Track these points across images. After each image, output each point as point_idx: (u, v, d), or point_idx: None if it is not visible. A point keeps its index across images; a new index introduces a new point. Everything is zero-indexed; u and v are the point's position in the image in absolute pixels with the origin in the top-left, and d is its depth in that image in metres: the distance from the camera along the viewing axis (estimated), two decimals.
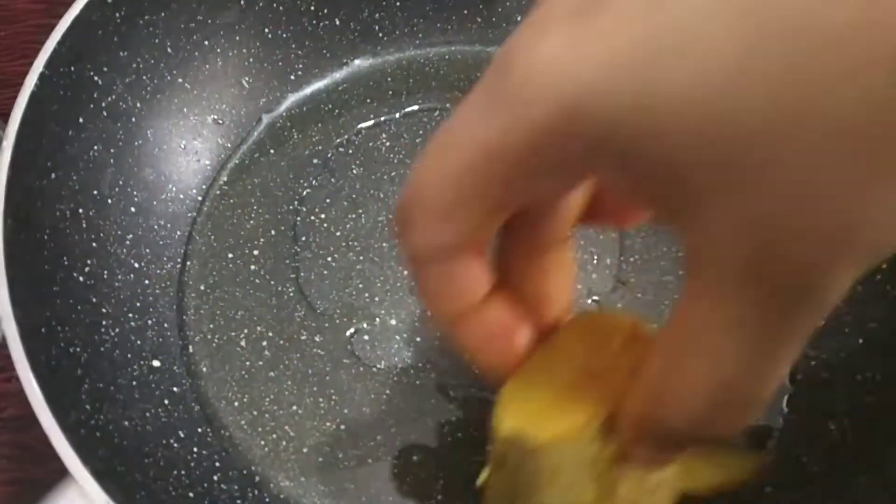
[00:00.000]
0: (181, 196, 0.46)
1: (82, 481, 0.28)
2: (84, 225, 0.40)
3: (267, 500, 0.39)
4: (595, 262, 0.46)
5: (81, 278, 0.39)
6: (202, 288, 0.44)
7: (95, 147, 0.41)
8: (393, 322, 0.44)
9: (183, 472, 0.37)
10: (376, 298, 0.44)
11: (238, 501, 0.38)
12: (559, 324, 0.28)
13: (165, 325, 0.42)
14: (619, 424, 0.26)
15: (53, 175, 0.38)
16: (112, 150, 0.42)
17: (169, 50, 0.45)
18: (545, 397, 0.26)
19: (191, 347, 0.42)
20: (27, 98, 0.36)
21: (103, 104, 0.42)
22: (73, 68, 0.39)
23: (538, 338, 0.27)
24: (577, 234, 0.46)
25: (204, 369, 0.42)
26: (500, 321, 0.26)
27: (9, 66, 0.59)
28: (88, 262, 0.39)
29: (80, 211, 0.40)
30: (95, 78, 0.41)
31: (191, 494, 0.36)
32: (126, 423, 0.36)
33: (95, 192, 0.41)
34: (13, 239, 0.34)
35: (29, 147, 0.36)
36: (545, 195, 0.25)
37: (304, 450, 0.40)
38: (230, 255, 0.45)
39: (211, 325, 0.43)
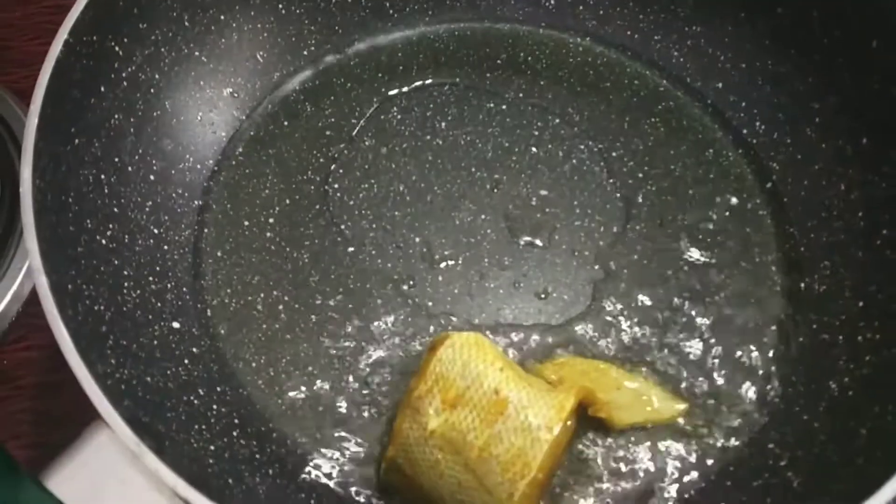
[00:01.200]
0: (198, 166, 0.47)
1: (112, 423, 0.30)
2: (106, 191, 0.41)
3: (284, 455, 0.40)
4: (601, 230, 0.47)
5: (104, 241, 0.40)
6: (219, 254, 0.45)
7: (116, 116, 0.42)
8: (405, 287, 0.45)
9: (203, 427, 0.38)
10: (389, 264, 0.46)
11: (257, 456, 0.39)
12: None
13: (184, 289, 0.44)
14: None
15: (77, 141, 0.39)
16: (132, 120, 0.44)
17: (186, 23, 0.46)
18: None
19: (209, 311, 0.44)
20: (52, 64, 0.37)
21: (124, 74, 0.43)
22: (95, 37, 0.40)
23: None
24: (582, 203, 0.47)
25: (222, 331, 0.43)
26: None
27: (25, 46, 0.61)
28: (110, 226, 0.41)
29: (102, 177, 0.41)
30: (116, 48, 0.42)
31: (212, 447, 0.37)
32: (148, 378, 0.37)
33: (116, 160, 0.42)
34: (41, 199, 0.35)
35: (54, 112, 0.37)
36: None
37: (320, 408, 0.41)
38: (246, 223, 0.46)
39: (228, 290, 0.44)
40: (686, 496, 0.40)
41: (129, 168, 0.43)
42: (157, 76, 0.45)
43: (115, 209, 0.41)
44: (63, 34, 0.38)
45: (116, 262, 0.40)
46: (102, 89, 0.41)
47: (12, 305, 0.49)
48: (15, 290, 0.49)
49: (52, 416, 0.47)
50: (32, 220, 0.33)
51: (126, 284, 0.40)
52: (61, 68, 0.38)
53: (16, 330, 0.49)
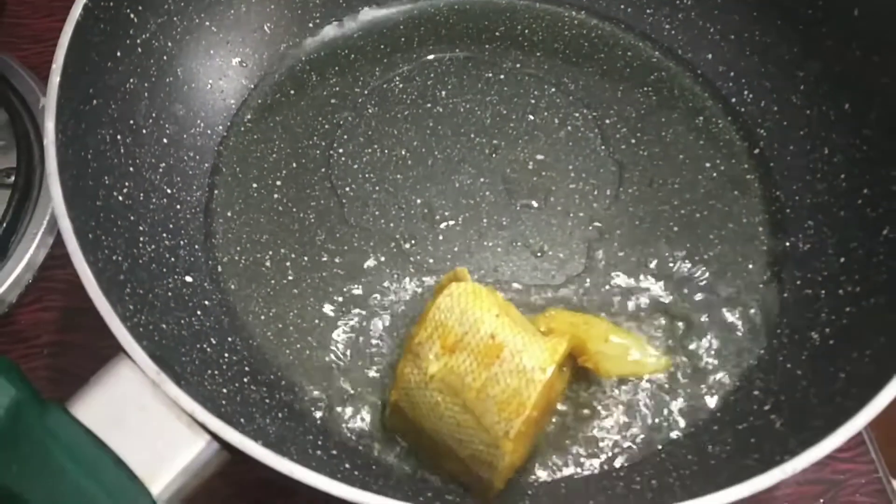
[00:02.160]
0: (208, 131, 0.49)
1: (133, 353, 0.32)
2: (122, 150, 0.43)
3: (291, 401, 0.42)
4: (595, 192, 0.49)
5: (121, 198, 0.42)
6: (229, 214, 0.47)
7: (131, 80, 0.45)
8: (406, 246, 0.47)
9: (216, 373, 0.40)
10: (391, 224, 0.48)
11: (266, 401, 0.41)
12: None
13: (196, 246, 0.46)
14: None
15: (95, 102, 0.41)
16: (146, 85, 0.46)
17: None
18: None
19: (219, 267, 0.46)
20: (73, 26, 0.39)
21: (138, 41, 0.45)
22: (111, 3, 0.42)
23: None
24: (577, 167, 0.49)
25: (232, 286, 0.45)
26: None
27: (36, 24, 0.63)
28: (126, 183, 0.43)
29: (119, 137, 0.43)
30: (132, 15, 0.44)
31: (224, 391, 0.39)
32: (164, 325, 0.39)
33: (131, 122, 0.44)
34: (64, 152, 0.37)
35: (74, 72, 0.39)
36: None
37: (326, 358, 0.43)
38: (255, 185, 0.48)
39: (238, 248, 0.46)
40: (676, 439, 0.42)
41: (144, 131, 0.45)
42: (169, 44, 0.47)
43: (131, 168, 0.43)
44: None
45: (132, 217, 0.42)
46: (118, 54, 0.44)
47: (26, 273, 0.51)
48: (30, 256, 0.52)
49: (67, 372, 0.49)
50: (56, 168, 0.35)
51: (141, 239, 0.42)
52: (81, 30, 0.40)
53: (32, 293, 0.51)
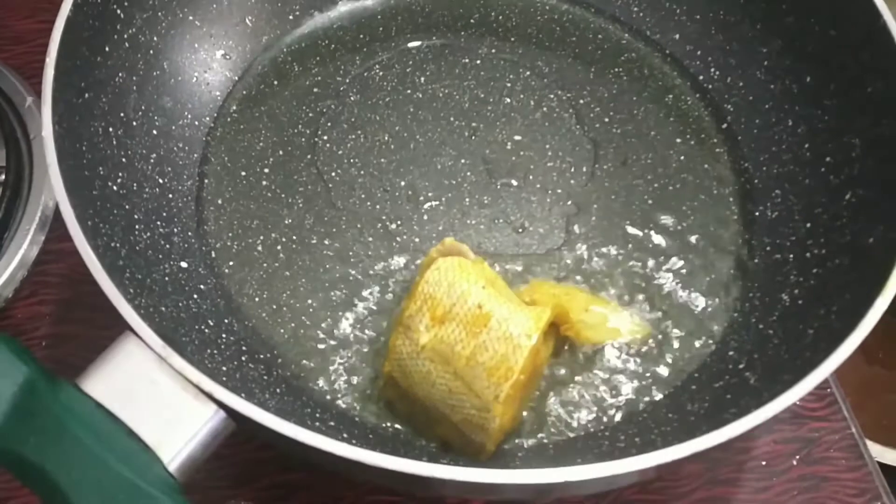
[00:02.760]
0: (196, 122, 0.51)
1: (138, 328, 0.33)
2: (114, 142, 0.44)
3: (289, 377, 0.44)
4: (572, 170, 0.51)
5: (115, 188, 0.43)
6: (219, 202, 0.49)
7: (120, 74, 0.46)
8: (392, 227, 0.49)
9: (215, 352, 0.41)
10: (377, 206, 0.49)
11: (265, 377, 0.42)
12: None
13: (189, 233, 0.47)
14: None
15: (87, 95, 0.43)
16: (134, 79, 0.47)
17: None
18: None
19: (213, 252, 0.47)
20: (63, 21, 0.40)
21: (125, 35, 0.46)
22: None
23: None
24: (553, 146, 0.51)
25: (226, 271, 0.47)
26: None
27: (21, 24, 0.64)
28: (120, 174, 0.44)
29: (111, 130, 0.44)
30: (118, 11, 0.45)
31: (224, 368, 0.41)
32: (163, 308, 0.41)
33: (122, 115, 0.46)
34: (61, 143, 0.38)
35: (66, 67, 0.40)
36: None
37: (320, 335, 0.45)
38: (243, 174, 0.50)
39: (230, 234, 0.48)
40: (657, 401, 0.44)
41: (134, 123, 0.46)
42: (155, 38, 0.49)
43: (124, 159, 0.45)
44: None
45: (127, 206, 0.43)
46: (107, 49, 0.45)
47: (20, 268, 0.52)
48: (23, 251, 0.53)
49: (66, 363, 0.50)
50: (56, 158, 0.36)
51: (137, 227, 0.43)
52: (71, 26, 0.41)
53: (27, 287, 0.52)
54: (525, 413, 0.43)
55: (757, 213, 0.49)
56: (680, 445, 0.32)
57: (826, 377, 0.35)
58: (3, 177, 0.54)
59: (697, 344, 0.46)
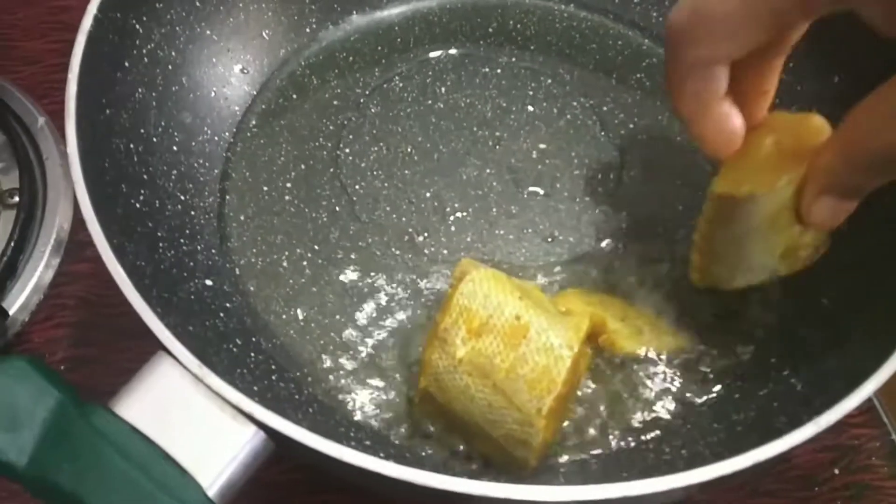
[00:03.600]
0: (216, 138, 0.50)
1: (173, 348, 0.32)
2: (135, 159, 0.43)
3: (320, 396, 0.42)
4: (599, 177, 0.50)
5: (138, 205, 0.42)
6: (242, 218, 0.48)
7: (139, 90, 0.45)
8: (419, 239, 0.48)
9: (245, 371, 0.40)
10: (403, 219, 0.48)
11: (296, 396, 0.41)
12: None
13: (213, 250, 0.46)
14: (804, 190, 0.37)
15: (108, 111, 0.42)
16: (154, 94, 0.46)
17: (197, 3, 0.49)
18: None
19: (237, 269, 0.46)
20: (85, 37, 0.40)
21: (144, 51, 0.45)
22: (118, 14, 0.43)
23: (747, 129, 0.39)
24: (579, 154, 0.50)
25: (251, 288, 0.46)
26: (729, 110, 0.38)
27: (30, 45, 0.63)
28: (142, 191, 0.43)
29: (132, 146, 0.43)
30: (137, 26, 0.45)
31: (255, 388, 0.39)
32: (190, 328, 0.39)
33: (142, 131, 0.45)
34: (85, 158, 0.37)
35: (88, 82, 0.40)
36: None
37: (350, 352, 0.44)
38: (265, 189, 0.49)
39: (254, 250, 0.47)
40: (699, 411, 0.43)
41: (154, 139, 0.46)
42: (173, 53, 0.48)
43: (145, 176, 0.44)
44: (92, 10, 0.40)
45: (150, 224, 0.42)
46: (127, 64, 0.44)
47: (36, 291, 0.52)
48: (39, 274, 0.52)
49: (84, 387, 0.48)
50: (81, 176, 0.35)
51: (161, 245, 0.42)
52: (92, 41, 0.40)
53: (43, 310, 0.51)
54: (564, 425, 0.42)
55: None
56: (741, 456, 0.31)
57: (883, 382, 0.34)
58: (17, 199, 0.53)
59: (736, 352, 0.44)
